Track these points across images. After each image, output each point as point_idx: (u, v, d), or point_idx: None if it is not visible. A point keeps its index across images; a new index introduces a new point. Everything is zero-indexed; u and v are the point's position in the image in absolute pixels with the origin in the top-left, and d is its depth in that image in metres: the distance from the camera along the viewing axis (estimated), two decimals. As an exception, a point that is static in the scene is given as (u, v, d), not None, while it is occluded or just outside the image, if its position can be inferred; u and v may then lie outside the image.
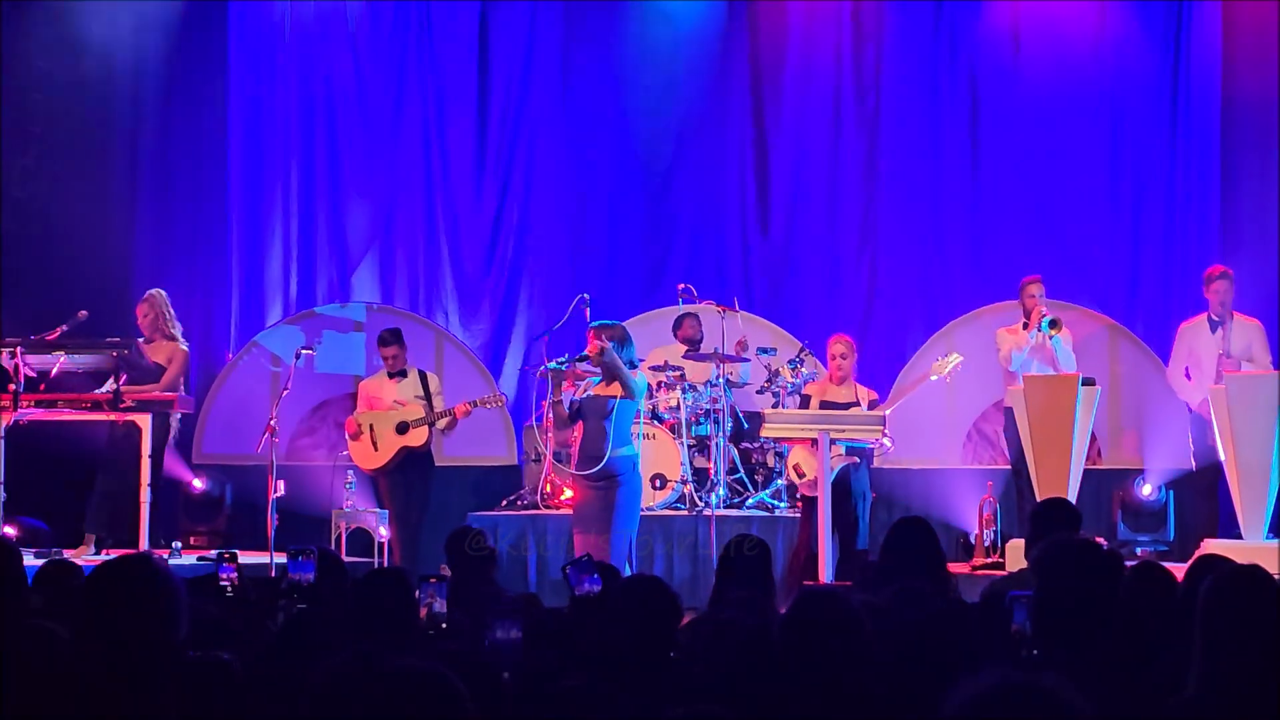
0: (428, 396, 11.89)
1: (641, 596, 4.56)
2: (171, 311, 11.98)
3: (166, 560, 7.70)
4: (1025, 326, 11.81)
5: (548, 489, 12.34)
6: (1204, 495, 12.40)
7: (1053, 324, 11.56)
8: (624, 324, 10.50)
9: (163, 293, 12.09)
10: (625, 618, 4.47)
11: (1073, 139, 13.87)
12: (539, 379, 12.22)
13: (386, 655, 4.21)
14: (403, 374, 11.98)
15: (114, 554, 10.46)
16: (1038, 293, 11.83)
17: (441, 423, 11.84)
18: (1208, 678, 3.83)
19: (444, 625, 4.76)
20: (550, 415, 10.14)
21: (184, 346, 11.90)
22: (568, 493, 11.15)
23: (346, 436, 11.88)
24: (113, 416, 11.26)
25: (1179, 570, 5.98)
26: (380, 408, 11.83)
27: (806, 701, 3.86)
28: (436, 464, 12.47)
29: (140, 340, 11.64)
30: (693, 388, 12.61)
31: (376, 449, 11.75)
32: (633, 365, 10.09)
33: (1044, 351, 11.69)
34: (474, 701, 3.28)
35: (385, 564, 11.37)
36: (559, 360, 10.11)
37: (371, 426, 11.77)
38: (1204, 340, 12.04)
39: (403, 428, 11.74)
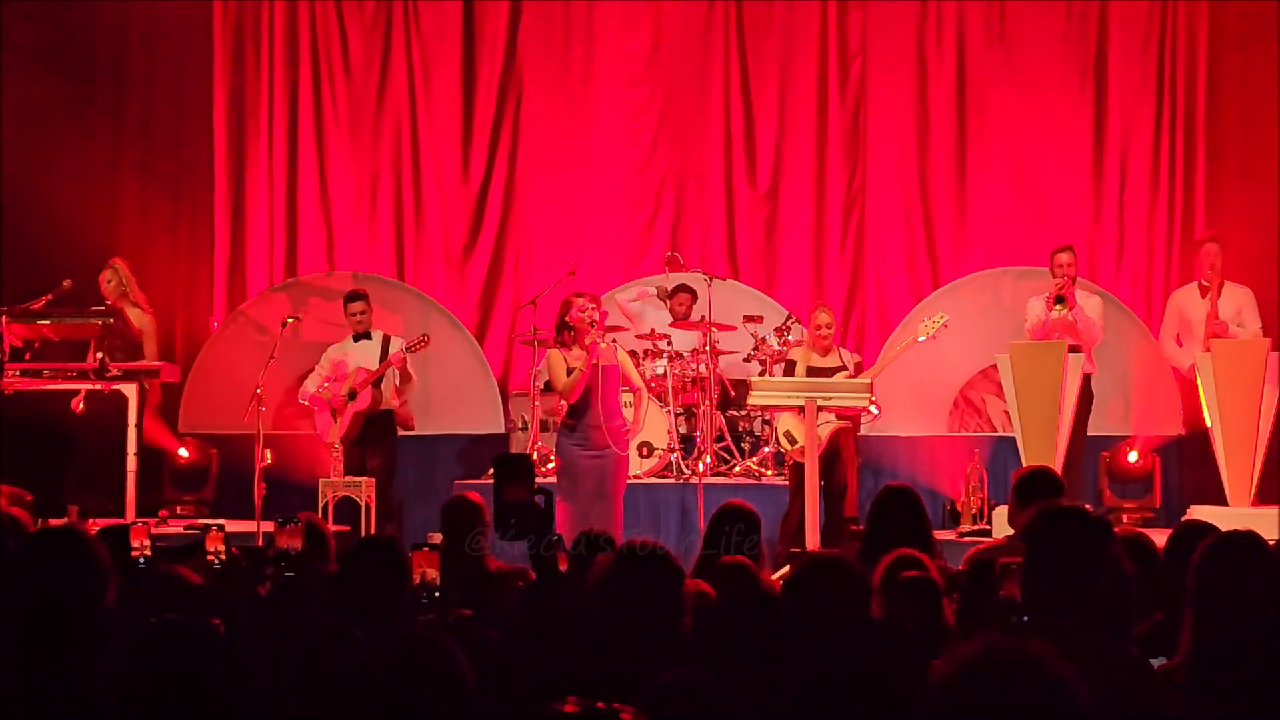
0: (384, 359, 11.86)
1: (647, 567, 4.55)
2: (133, 279, 12.05)
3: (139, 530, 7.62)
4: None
5: (534, 457, 12.34)
6: (1191, 462, 12.43)
7: (1059, 300, 11.48)
8: (604, 293, 10.59)
9: (124, 261, 12.14)
10: (632, 587, 4.47)
11: (1059, 106, 13.84)
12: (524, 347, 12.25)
13: (379, 624, 4.22)
14: (367, 336, 12.00)
15: (100, 524, 10.51)
16: (1065, 261, 11.67)
17: (405, 389, 11.83)
18: (1199, 640, 3.84)
19: (436, 594, 4.74)
20: (571, 381, 10.10)
21: (149, 314, 12.01)
22: (552, 461, 11.13)
23: (319, 410, 11.93)
24: (99, 386, 11.25)
25: (1164, 537, 5.99)
26: (343, 375, 11.84)
27: (805, 668, 3.86)
28: (424, 433, 12.45)
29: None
30: (679, 356, 12.61)
31: (335, 421, 11.77)
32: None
33: (1064, 325, 11.57)
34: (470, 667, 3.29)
35: (372, 532, 11.35)
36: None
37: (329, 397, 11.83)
38: (1194, 305, 12.05)
39: (352, 394, 11.75)
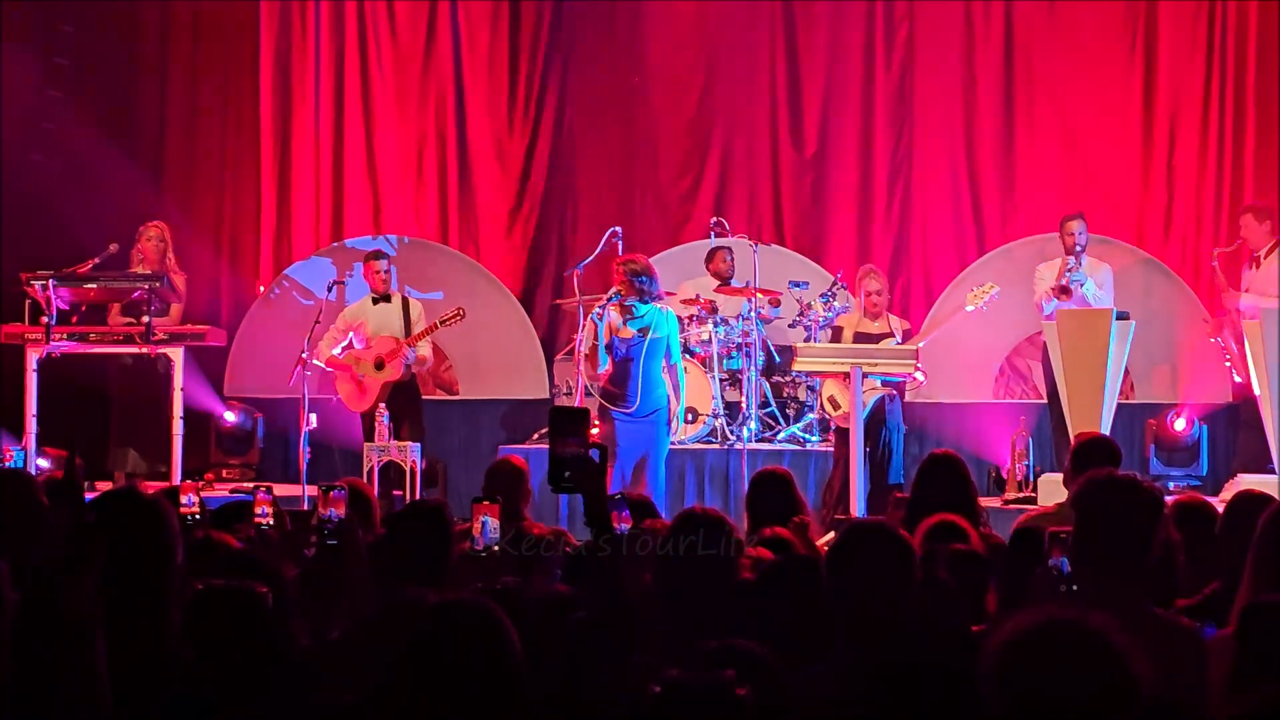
0: (407, 324, 11.78)
1: (705, 530, 4.56)
2: (171, 245, 12.15)
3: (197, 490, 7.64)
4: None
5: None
6: (1244, 428, 12.33)
7: (1064, 291, 11.44)
8: (649, 258, 10.54)
9: (166, 225, 12.22)
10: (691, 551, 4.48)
11: (1108, 70, 13.72)
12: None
13: (423, 589, 4.21)
14: (386, 299, 11.91)
15: (151, 486, 10.56)
16: (1075, 229, 11.60)
17: (424, 349, 11.73)
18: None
19: (495, 548, 4.70)
20: (593, 351, 10.08)
21: (183, 276, 12.08)
22: (595, 428, 11.13)
23: (339, 374, 11.84)
24: (145, 349, 11.30)
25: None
26: (363, 335, 11.77)
27: (849, 633, 3.86)
28: (468, 398, 12.41)
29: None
30: (724, 321, 12.57)
31: (363, 391, 11.67)
32: (656, 297, 10.14)
33: (1077, 297, 11.50)
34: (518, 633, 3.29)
35: (417, 497, 11.35)
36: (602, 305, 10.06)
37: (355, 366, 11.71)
38: (1246, 275, 11.99)
39: (380, 364, 11.65)
